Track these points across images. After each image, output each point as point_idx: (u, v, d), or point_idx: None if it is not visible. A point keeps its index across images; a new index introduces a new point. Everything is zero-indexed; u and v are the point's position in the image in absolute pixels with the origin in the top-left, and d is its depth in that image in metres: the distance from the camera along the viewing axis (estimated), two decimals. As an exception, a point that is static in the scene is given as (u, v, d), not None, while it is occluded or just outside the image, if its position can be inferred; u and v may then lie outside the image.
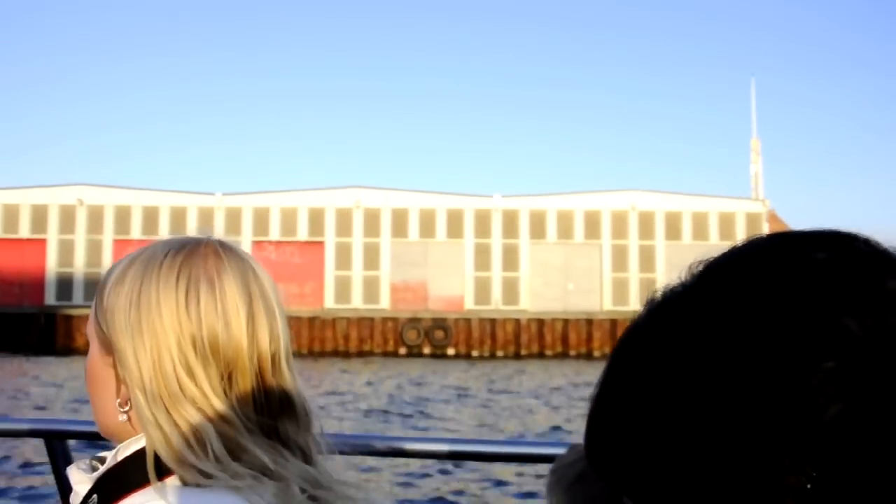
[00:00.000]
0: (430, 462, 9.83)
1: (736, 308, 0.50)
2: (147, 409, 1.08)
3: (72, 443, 2.33)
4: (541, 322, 34.65)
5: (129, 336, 1.10)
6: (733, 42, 71.94)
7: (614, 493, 0.54)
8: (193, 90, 69.55)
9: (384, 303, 36.55)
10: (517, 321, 34.87)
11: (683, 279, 0.55)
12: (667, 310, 0.55)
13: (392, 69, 69.40)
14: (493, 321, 34.92)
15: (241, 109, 68.46)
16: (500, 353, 34.05)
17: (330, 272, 36.87)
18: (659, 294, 0.56)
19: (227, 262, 1.14)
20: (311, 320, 34.43)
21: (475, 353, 34.05)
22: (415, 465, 10.18)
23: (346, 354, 33.41)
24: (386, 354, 33.46)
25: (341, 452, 1.20)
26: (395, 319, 34.84)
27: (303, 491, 1.09)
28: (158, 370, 1.08)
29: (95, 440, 1.85)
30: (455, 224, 37.57)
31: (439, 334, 34.28)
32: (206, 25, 70.65)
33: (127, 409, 1.12)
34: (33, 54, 68.00)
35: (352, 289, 36.77)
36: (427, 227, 37.56)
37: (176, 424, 1.07)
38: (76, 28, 68.41)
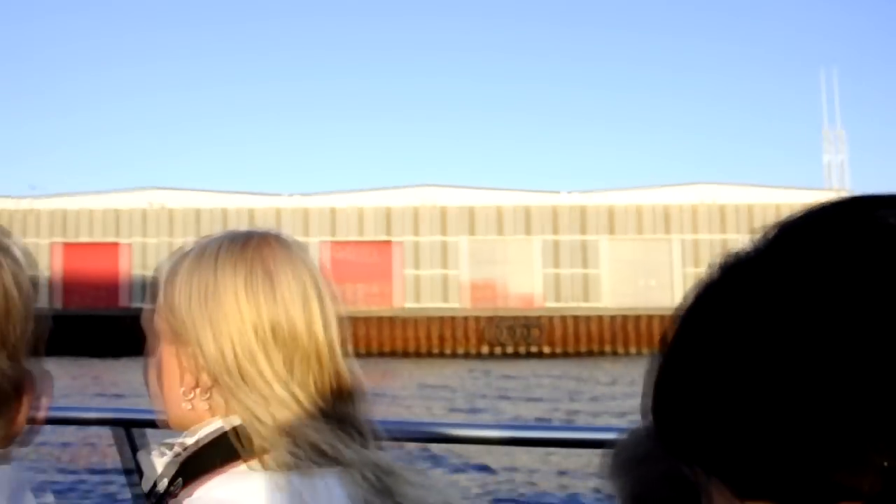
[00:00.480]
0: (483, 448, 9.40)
1: (818, 275, 0.47)
2: (217, 397, 1.12)
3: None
4: (637, 319, 33.84)
5: (195, 326, 1.13)
6: (805, 31, 70.20)
7: (678, 473, 0.53)
8: (264, 89, 70.37)
9: (459, 301, 36.29)
10: (612, 318, 34.19)
11: (756, 242, 0.53)
12: (743, 272, 0.51)
13: (462, 67, 69.44)
14: (587, 318, 34.30)
15: (312, 109, 68.99)
16: (596, 350, 33.38)
17: (403, 271, 36.78)
18: (732, 256, 0.53)
19: (283, 253, 1.18)
20: (404, 321, 34.24)
21: (571, 351, 33.38)
22: (468, 451, 10.19)
23: (441, 355, 33.08)
24: (479, 355, 32.99)
25: (395, 439, 1.23)
26: (488, 318, 34.33)
27: (376, 477, 1.12)
28: (226, 358, 1.11)
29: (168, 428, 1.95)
30: (528, 221, 37.21)
31: (535, 332, 33.76)
32: (274, 25, 71.40)
33: (191, 397, 1.15)
34: (108, 59, 69.26)
35: (425, 288, 36.62)
36: (500, 225, 37.25)
37: (245, 410, 1.10)
38: (139, 28, 69.48)
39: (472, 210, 37.14)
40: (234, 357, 1.11)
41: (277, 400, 1.11)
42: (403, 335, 34.08)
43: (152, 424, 2.19)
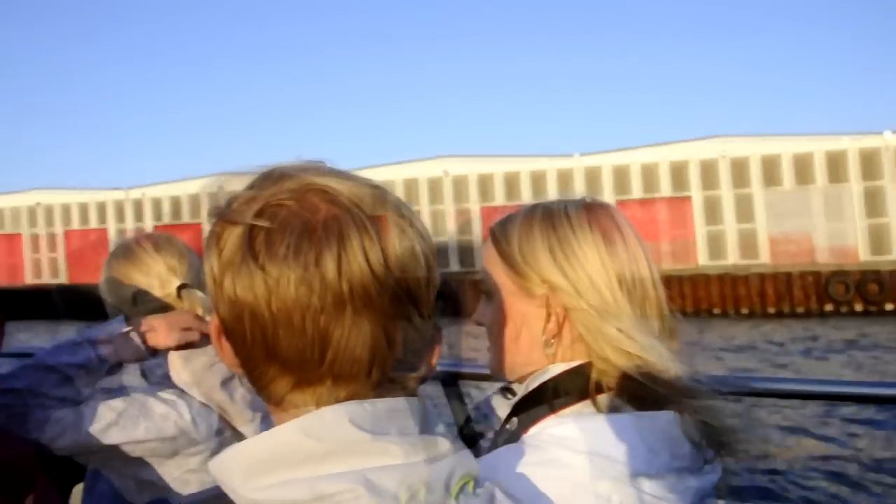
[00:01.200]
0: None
1: None
2: (573, 342, 1.21)
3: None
4: None
5: (563, 278, 1.21)
6: None
7: None
8: (546, 58, 70.77)
9: (763, 257, 34.04)
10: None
11: None
12: None
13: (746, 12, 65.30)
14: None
15: (596, 68, 68.28)
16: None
17: (700, 228, 35.09)
18: None
19: (619, 215, 1.27)
20: (721, 278, 32.42)
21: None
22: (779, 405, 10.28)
23: (763, 315, 31.13)
24: (811, 314, 30.64)
25: (717, 392, 1.25)
26: (815, 273, 31.76)
27: (708, 420, 1.16)
28: (595, 304, 1.19)
29: (486, 381, 2.07)
30: (837, 167, 33.97)
31: (873, 288, 30.92)
32: None
33: (553, 343, 1.22)
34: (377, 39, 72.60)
35: (726, 244, 34.71)
36: (804, 174, 34.35)
37: (605, 352, 1.17)
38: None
39: (770, 159, 34.58)
40: (601, 304, 1.19)
41: (636, 344, 1.16)
42: (735, 294, 32.11)
43: (480, 377, 2.47)
